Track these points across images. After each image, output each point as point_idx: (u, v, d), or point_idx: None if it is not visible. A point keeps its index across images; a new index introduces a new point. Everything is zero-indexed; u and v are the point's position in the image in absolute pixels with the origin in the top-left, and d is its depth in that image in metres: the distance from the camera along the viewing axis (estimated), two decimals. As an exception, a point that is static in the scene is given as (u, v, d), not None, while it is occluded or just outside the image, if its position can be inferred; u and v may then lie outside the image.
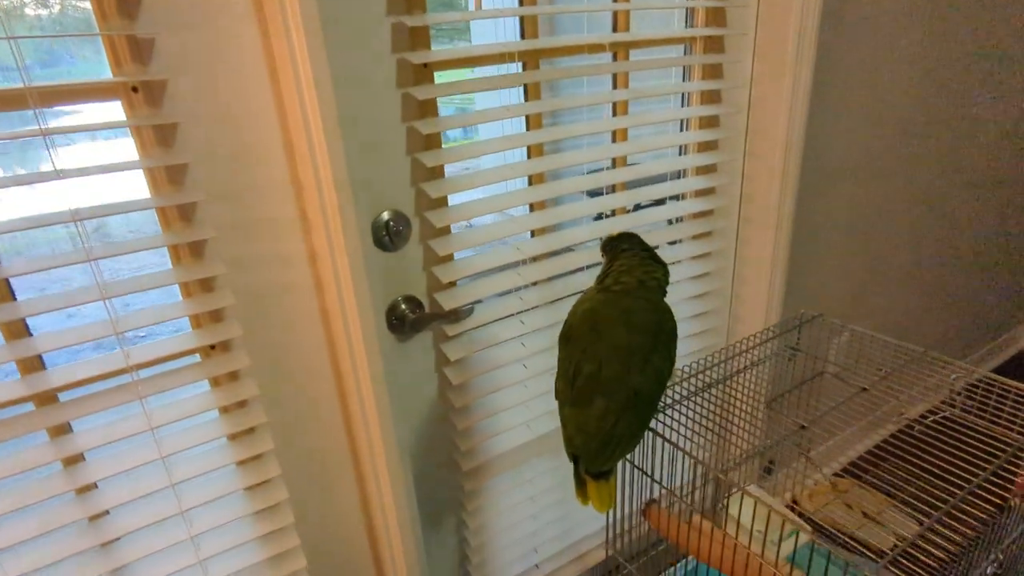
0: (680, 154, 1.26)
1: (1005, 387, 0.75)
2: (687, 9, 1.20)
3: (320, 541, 1.00)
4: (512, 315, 1.07)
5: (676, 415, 0.85)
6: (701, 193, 1.28)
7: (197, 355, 0.83)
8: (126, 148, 0.74)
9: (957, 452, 0.80)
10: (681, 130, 1.25)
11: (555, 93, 1.05)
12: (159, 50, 0.70)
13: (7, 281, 0.71)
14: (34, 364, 0.74)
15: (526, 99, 1.02)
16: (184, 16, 0.70)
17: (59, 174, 0.65)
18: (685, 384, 0.90)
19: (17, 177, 0.65)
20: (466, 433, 1.07)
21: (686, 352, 1.32)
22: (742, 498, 0.98)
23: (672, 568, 1.13)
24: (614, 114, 1.13)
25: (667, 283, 0.79)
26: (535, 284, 1.11)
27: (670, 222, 1.27)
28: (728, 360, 0.93)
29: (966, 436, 0.78)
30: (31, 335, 0.73)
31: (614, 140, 1.15)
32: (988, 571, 0.66)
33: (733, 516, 0.97)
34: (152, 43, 0.69)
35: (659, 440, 0.83)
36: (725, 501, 0.95)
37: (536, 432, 1.14)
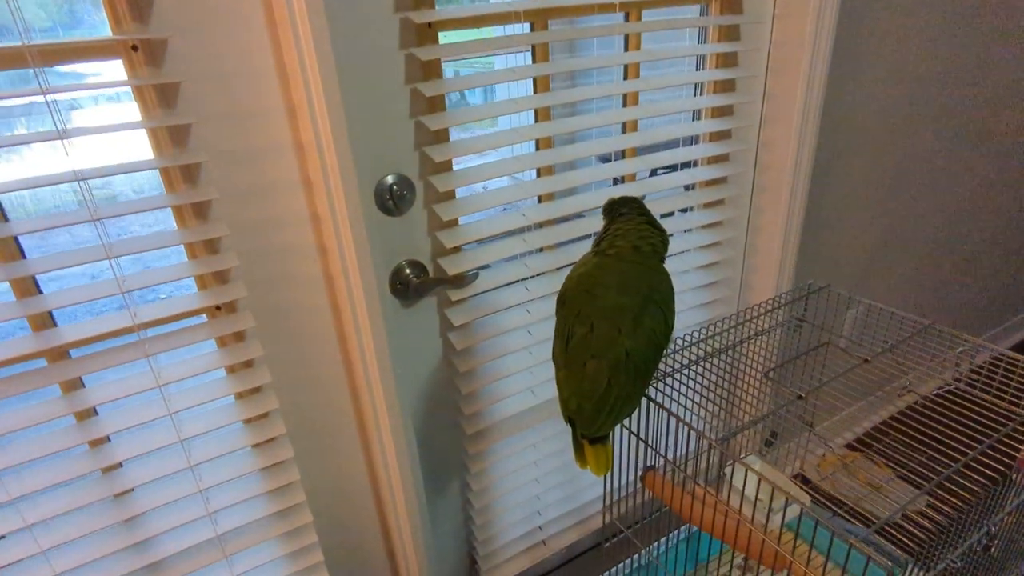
0: (694, 119, 1.23)
1: (1012, 361, 0.73)
2: (705, -33, 1.15)
3: (326, 498, 1.03)
4: (517, 281, 1.07)
5: (676, 384, 0.85)
6: (715, 160, 1.25)
7: (204, 316, 0.84)
8: (130, 112, 0.74)
9: (961, 426, 0.79)
10: (696, 95, 1.21)
11: (566, 56, 1.03)
12: (159, 8, 0.69)
13: (16, 240, 0.73)
14: (44, 320, 0.76)
15: (534, 61, 0.99)
16: (182, -27, 0.69)
17: (62, 134, 0.66)
18: (685, 353, 0.89)
19: (21, 136, 0.66)
20: (470, 398, 1.08)
21: (696, 322, 1.31)
22: (739, 468, 0.99)
23: (671, 534, 1.14)
24: (625, 77, 1.10)
25: (664, 249, 0.78)
26: (541, 250, 1.10)
27: (687, 188, 1.25)
28: (730, 330, 0.92)
29: (970, 410, 0.77)
30: (41, 292, 0.75)
31: (625, 105, 1.12)
32: (980, 543, 0.66)
33: (734, 486, 0.98)
34: (151, 1, 0.69)
35: (658, 408, 0.83)
36: (724, 471, 0.95)
37: (540, 397, 1.15)
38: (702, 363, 0.87)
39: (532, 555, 1.30)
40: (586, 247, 1.12)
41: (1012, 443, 0.67)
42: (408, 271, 0.97)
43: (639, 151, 1.16)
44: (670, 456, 0.86)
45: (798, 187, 1.27)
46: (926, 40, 1.39)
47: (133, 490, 0.88)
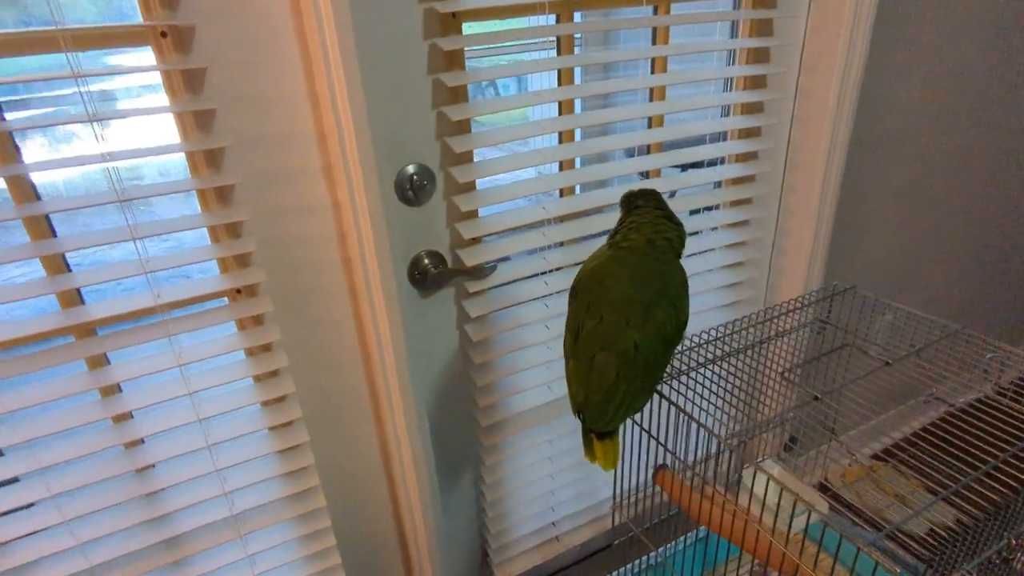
0: (723, 115, 1.21)
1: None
2: (739, -40, 1.13)
3: (339, 483, 1.04)
4: (536, 275, 1.06)
5: (691, 382, 0.84)
6: (743, 158, 1.22)
7: (225, 299, 0.86)
8: (159, 100, 0.76)
9: (993, 436, 0.76)
10: (725, 90, 1.19)
11: (599, 49, 1.02)
12: (187, -5, 0.71)
13: (48, 219, 0.75)
14: (73, 298, 0.78)
15: (559, 53, 0.99)
16: (211, -40, 0.70)
17: (92, 116, 0.68)
18: (703, 350, 0.88)
19: (53, 118, 0.68)
20: (485, 390, 1.08)
21: (717, 324, 1.29)
22: (755, 472, 0.97)
23: (684, 536, 1.12)
24: (652, 71, 1.09)
25: (681, 244, 0.77)
26: (561, 245, 1.10)
27: (716, 185, 1.23)
28: (749, 328, 0.90)
29: (1003, 420, 0.74)
30: (70, 270, 0.78)
31: (651, 99, 1.11)
32: (999, 554, 0.63)
33: (748, 487, 0.96)
34: (180, -13, 0.70)
35: (672, 406, 0.82)
36: (739, 474, 0.93)
37: (556, 393, 1.14)
38: (720, 362, 0.85)
39: (545, 551, 1.30)
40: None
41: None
42: (427, 261, 0.97)
43: (665, 147, 1.14)
44: (686, 457, 0.84)
45: (829, 188, 1.23)
46: (969, 40, 1.34)
47: (154, 466, 0.90)
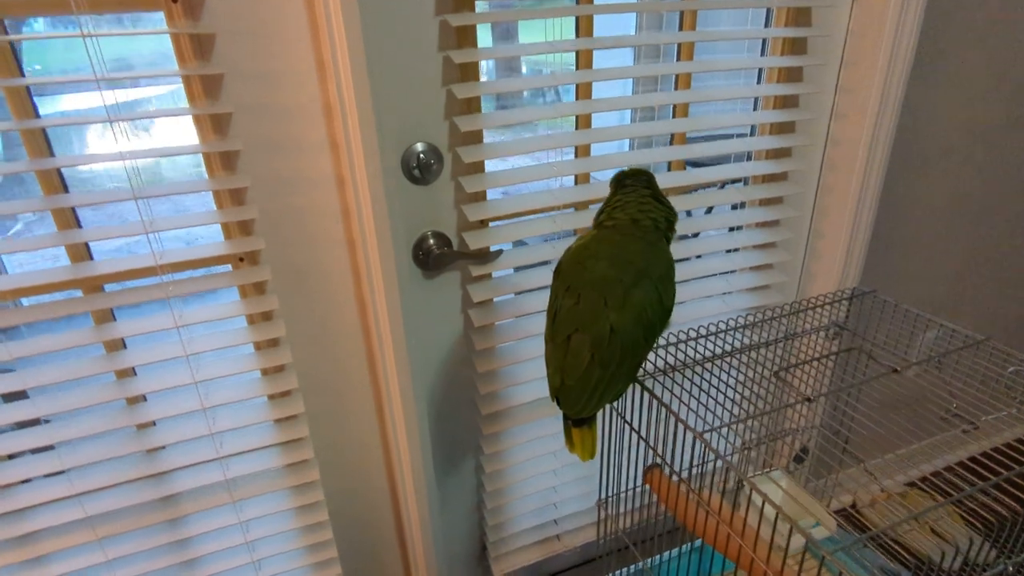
0: (755, 108, 1.15)
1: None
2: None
3: (335, 458, 1.04)
4: (544, 263, 1.04)
5: (686, 379, 0.80)
6: (775, 154, 1.16)
7: (229, 266, 0.87)
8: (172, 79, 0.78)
9: (1011, 454, 0.69)
10: (758, 82, 1.13)
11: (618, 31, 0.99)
12: (198, -39, 0.72)
13: (60, 173, 0.78)
14: (82, 253, 0.81)
15: (577, 34, 0.96)
16: (221, -73, 0.71)
17: (98, 77, 0.70)
18: (698, 346, 0.83)
19: (61, 78, 0.71)
20: (486, 377, 1.06)
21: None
22: (758, 482, 0.91)
23: (679, 546, 1.08)
24: (678, 58, 1.05)
25: (668, 226, 0.73)
26: (574, 233, 1.07)
27: (745, 182, 1.17)
28: (753, 326, 0.85)
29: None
30: (80, 226, 0.81)
31: (676, 87, 1.07)
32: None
33: (749, 497, 0.90)
34: (192, -46, 0.72)
35: (663, 407, 0.78)
36: (741, 481, 0.89)
37: (562, 386, 1.11)
38: (721, 360, 0.81)
39: (545, 548, 1.27)
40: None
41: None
42: (432, 242, 0.96)
43: (690, 139, 1.10)
44: (682, 458, 0.80)
45: (868, 189, 1.16)
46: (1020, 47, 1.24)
47: (155, 424, 0.92)
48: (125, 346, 0.89)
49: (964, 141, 1.29)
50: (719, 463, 0.74)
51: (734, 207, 1.19)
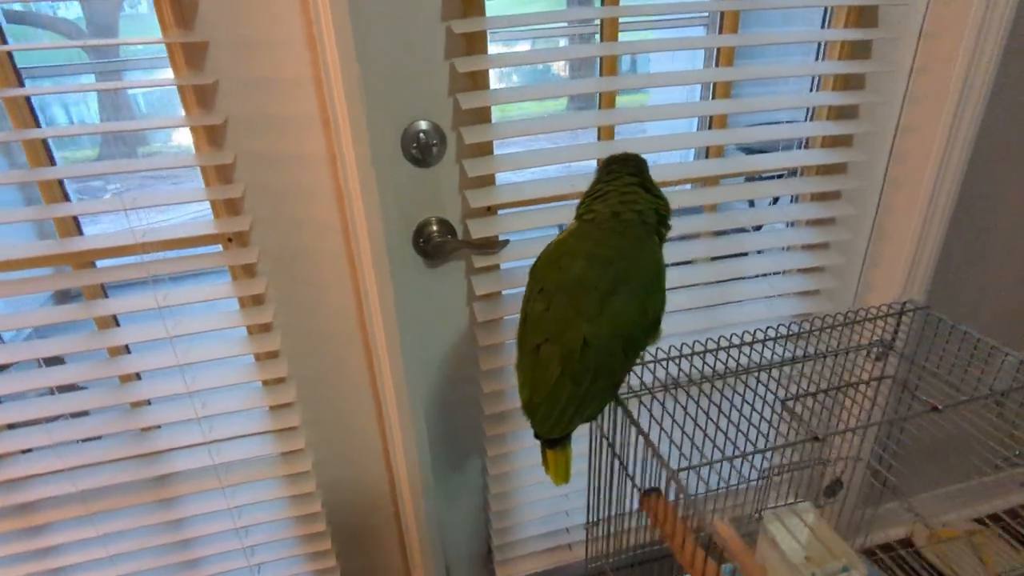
0: (812, 89, 1.01)
1: None
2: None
3: (331, 450, 1.00)
4: (558, 256, 0.95)
5: (693, 399, 0.70)
6: (832, 142, 1.02)
7: (220, 246, 0.84)
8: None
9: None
10: (817, 58, 0.99)
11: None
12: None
13: (45, 143, 0.77)
14: (70, 228, 0.80)
15: (603, 2, 0.86)
16: None
17: (85, 44, 0.67)
18: (710, 359, 0.73)
19: (50, 43, 0.68)
20: (490, 375, 1.00)
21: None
22: (780, 517, 0.80)
23: None
24: (721, 30, 0.93)
25: (657, 220, 0.63)
26: (593, 226, 0.98)
27: (797, 173, 1.04)
28: (784, 339, 0.74)
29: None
30: (69, 200, 0.79)
31: (718, 63, 0.95)
32: None
33: (770, 536, 0.80)
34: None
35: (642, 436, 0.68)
36: (760, 512, 0.78)
37: (574, 390, 1.03)
38: (725, 379, 0.70)
39: (555, 556, 1.20)
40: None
41: None
42: (435, 228, 0.90)
43: (732, 123, 0.98)
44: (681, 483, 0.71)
45: (945, 187, 1.00)
46: None
47: (150, 403, 0.91)
48: (118, 324, 0.87)
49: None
50: (736, 488, 0.64)
51: (774, 201, 1.06)
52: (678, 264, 1.01)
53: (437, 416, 1.04)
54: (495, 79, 0.85)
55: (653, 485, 0.73)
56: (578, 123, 0.89)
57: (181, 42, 0.72)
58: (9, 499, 0.86)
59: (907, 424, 0.57)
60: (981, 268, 1.19)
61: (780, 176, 1.06)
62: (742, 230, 1.03)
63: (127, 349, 0.88)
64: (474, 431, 1.08)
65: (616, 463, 0.74)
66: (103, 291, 0.84)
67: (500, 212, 0.92)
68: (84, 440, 0.88)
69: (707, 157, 1.00)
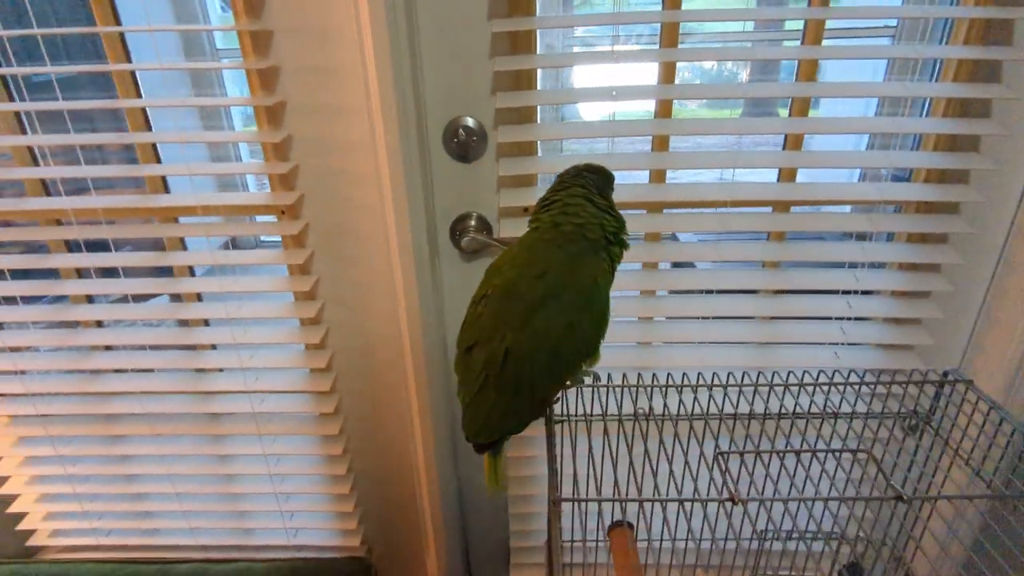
0: (921, 113, 0.87)
1: None
2: None
3: (362, 419, 1.05)
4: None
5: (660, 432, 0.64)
6: (938, 176, 0.87)
7: (274, 216, 0.92)
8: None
9: None
10: (922, 114, 0.84)
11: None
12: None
13: (145, 112, 0.89)
14: (158, 186, 0.92)
15: (664, 4, 0.81)
16: None
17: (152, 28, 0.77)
18: (702, 395, 0.66)
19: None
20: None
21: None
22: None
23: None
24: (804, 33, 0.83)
25: (601, 236, 0.57)
26: (644, 238, 0.93)
27: (896, 209, 0.90)
28: (802, 387, 0.64)
29: None
30: (160, 161, 0.91)
31: (798, 74, 0.85)
32: None
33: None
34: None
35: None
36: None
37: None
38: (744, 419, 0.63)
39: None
40: (701, 244, 0.92)
41: None
42: (472, 223, 0.91)
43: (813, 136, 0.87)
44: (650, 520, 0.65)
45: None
46: None
47: (215, 347, 1.03)
48: (193, 273, 0.99)
49: None
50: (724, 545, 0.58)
51: (861, 237, 0.92)
52: (737, 292, 0.93)
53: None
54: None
55: (618, 519, 0.68)
56: (622, 131, 0.85)
57: (249, 30, 0.79)
58: (100, 407, 1.02)
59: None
60: None
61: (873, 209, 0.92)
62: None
63: (199, 297, 1.00)
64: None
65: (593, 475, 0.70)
66: (183, 244, 0.97)
67: (537, 214, 0.90)
68: (151, 370, 1.02)
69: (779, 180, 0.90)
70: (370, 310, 0.96)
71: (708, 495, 0.60)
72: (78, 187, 0.90)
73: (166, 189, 0.94)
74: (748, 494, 0.65)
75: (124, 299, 0.97)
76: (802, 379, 0.73)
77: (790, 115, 0.87)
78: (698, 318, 0.94)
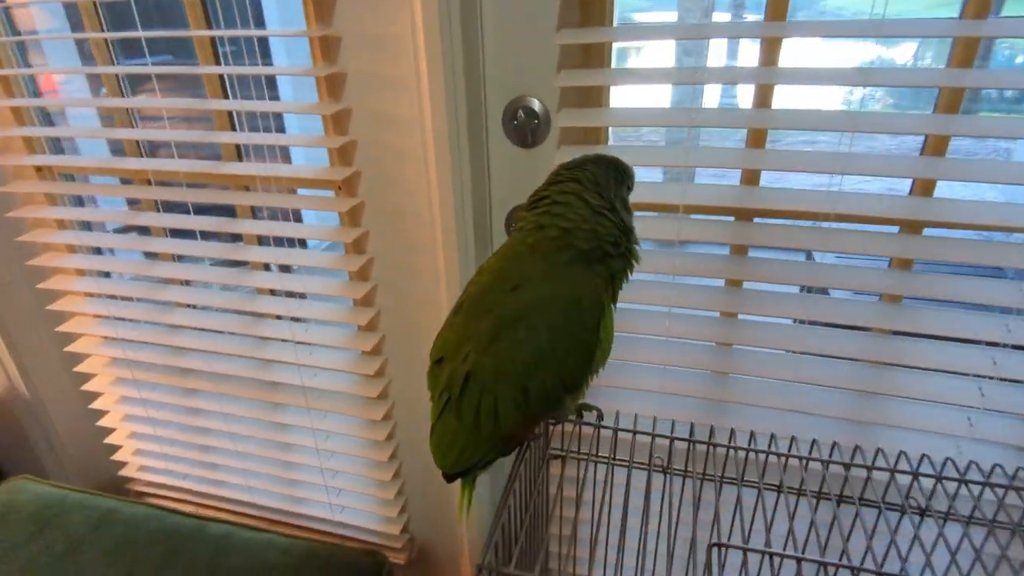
0: None
1: None
2: None
3: (409, 410, 1.02)
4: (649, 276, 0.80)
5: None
6: None
7: (332, 192, 0.90)
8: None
9: None
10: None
11: None
12: None
13: (222, 80, 0.90)
14: (232, 154, 0.94)
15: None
16: None
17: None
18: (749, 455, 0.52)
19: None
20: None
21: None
22: None
23: None
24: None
25: (593, 245, 0.45)
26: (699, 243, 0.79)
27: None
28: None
29: None
30: (235, 129, 0.93)
31: (952, 57, 0.66)
32: None
33: None
34: None
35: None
36: None
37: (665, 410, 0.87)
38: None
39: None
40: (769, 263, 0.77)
41: None
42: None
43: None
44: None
45: None
46: None
47: (280, 318, 1.04)
48: (260, 243, 1.01)
49: None
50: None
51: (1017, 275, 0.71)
52: (838, 326, 0.76)
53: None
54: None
55: None
56: (708, 120, 0.71)
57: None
58: (176, 360, 1.08)
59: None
60: None
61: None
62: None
63: (266, 267, 1.02)
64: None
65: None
66: (252, 212, 0.98)
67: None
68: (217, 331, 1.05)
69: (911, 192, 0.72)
70: (418, 298, 0.92)
71: None
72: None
73: (239, 157, 0.95)
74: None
75: (200, 261, 1.01)
76: (918, 467, 0.57)
77: (935, 111, 0.68)
78: (783, 351, 0.78)
